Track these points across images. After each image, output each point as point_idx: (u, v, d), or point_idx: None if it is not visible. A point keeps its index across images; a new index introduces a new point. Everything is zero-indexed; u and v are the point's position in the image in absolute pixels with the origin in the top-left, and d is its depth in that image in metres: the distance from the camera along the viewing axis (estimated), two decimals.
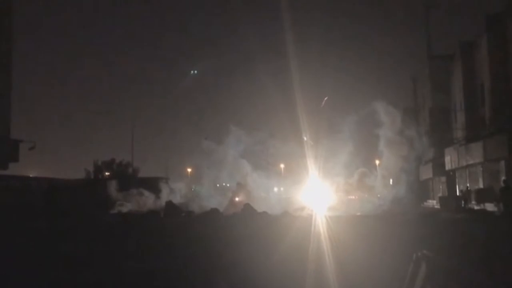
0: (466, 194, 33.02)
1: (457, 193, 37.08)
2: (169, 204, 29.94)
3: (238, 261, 9.51)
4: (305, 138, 33.05)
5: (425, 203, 41.86)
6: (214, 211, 28.46)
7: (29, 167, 40.38)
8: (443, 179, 42.23)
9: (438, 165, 40.87)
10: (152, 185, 33.82)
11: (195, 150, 33.52)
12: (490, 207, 29.26)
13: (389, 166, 32.56)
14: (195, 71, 40.21)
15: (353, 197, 33.30)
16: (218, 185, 35.63)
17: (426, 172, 44.35)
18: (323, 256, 9.94)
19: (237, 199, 32.53)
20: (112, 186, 32.40)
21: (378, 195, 32.68)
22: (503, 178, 27.03)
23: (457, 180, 39.34)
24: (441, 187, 43.91)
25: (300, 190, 33.02)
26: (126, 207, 30.96)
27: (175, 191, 32.87)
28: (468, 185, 35.20)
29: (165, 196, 31.76)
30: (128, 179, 36.54)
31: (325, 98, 37.27)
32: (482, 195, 31.60)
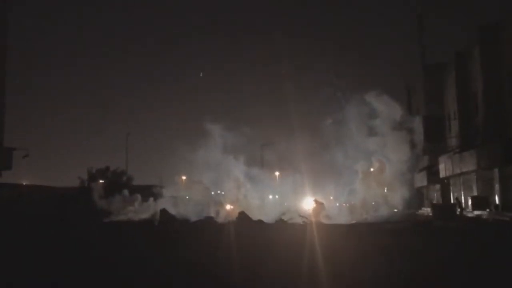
0: (459, 203, 33.13)
1: (451, 201, 37.16)
2: (163, 212, 29.77)
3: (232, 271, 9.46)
4: None
5: (419, 211, 41.88)
6: (209, 219, 28.37)
7: (23, 175, 40.09)
8: (437, 187, 42.30)
9: (433, 173, 40.94)
10: (146, 193, 33.69)
11: (189, 158, 33.32)
12: (484, 214, 29.35)
13: (392, 166, 32.05)
14: (201, 73, 39.60)
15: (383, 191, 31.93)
16: (213, 192, 35.51)
17: (421, 180, 44.40)
18: (317, 266, 9.89)
19: (231, 207, 32.41)
20: (97, 194, 32.19)
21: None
22: None
23: (451, 188, 39.45)
24: (435, 194, 43.98)
25: (296, 197, 32.79)
26: (118, 216, 30.74)
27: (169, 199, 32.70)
28: (457, 196, 35.39)
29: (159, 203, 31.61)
30: (122, 187, 36.36)
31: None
32: (477, 203, 31.69)
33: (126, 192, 32.64)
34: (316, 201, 30.72)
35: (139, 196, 32.85)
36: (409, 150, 32.12)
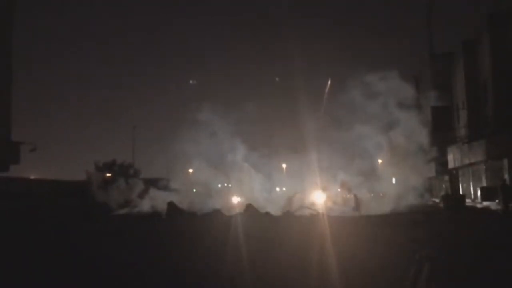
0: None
1: (460, 192, 36.95)
2: (171, 205, 29.70)
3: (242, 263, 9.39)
4: None
5: (428, 201, 41.67)
6: (216, 212, 28.29)
7: (31, 169, 40.27)
8: (446, 177, 42.05)
9: (441, 164, 40.69)
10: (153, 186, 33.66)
11: (195, 149, 33.21)
12: (493, 205, 29.13)
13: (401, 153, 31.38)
14: (193, 82, 38.98)
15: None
16: (220, 185, 35.42)
17: (429, 171, 44.13)
18: (326, 257, 9.80)
19: (237, 200, 32.34)
20: (95, 186, 32.11)
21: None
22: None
23: (460, 179, 39.19)
24: (444, 185, 43.73)
25: (304, 189, 32.42)
26: (124, 208, 30.73)
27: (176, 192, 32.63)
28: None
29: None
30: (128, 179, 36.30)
31: (329, 82, 35.05)
32: (486, 194, 31.44)
33: (122, 181, 32.41)
34: (344, 183, 30.10)
35: (139, 183, 32.66)
36: (422, 133, 31.46)
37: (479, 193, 33.02)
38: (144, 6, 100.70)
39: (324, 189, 30.75)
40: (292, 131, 33.20)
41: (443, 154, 39.55)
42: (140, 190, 33.09)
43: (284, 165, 37.78)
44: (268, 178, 34.09)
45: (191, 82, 40.49)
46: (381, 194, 32.05)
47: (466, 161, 35.14)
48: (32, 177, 35.97)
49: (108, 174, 36.81)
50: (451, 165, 38.67)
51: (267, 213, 26.92)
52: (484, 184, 33.26)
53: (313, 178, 31.15)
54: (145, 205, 31.32)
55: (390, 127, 31.97)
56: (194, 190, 33.88)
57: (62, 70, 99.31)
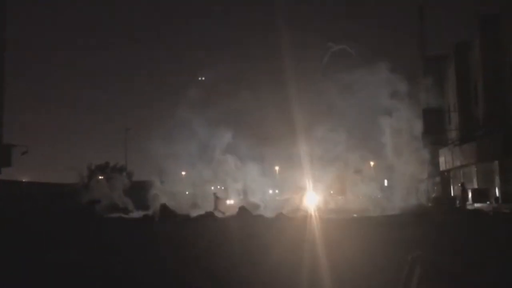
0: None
1: (452, 194, 37.19)
2: (163, 207, 29.64)
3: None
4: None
5: (420, 203, 41.79)
6: (209, 214, 28.32)
7: (22, 172, 40.06)
8: (438, 179, 42.29)
9: (433, 166, 40.92)
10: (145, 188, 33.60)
11: (188, 152, 33.22)
12: (484, 207, 29.35)
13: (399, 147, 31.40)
14: (202, 78, 38.53)
15: None
16: (213, 188, 35.41)
17: (421, 173, 44.34)
18: (317, 260, 9.85)
19: (231, 202, 32.38)
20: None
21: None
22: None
23: (451, 181, 39.46)
24: (435, 187, 43.96)
25: (297, 191, 32.45)
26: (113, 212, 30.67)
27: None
28: (463, 182, 35.35)
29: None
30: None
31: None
32: (477, 195, 31.68)
33: (102, 180, 32.43)
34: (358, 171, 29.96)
35: (122, 179, 32.67)
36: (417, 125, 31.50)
37: (470, 195, 33.26)
38: (136, 9, 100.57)
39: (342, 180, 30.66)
40: (286, 125, 32.71)
41: (434, 156, 39.79)
42: (123, 188, 32.99)
43: (276, 168, 37.86)
44: (261, 178, 34.06)
45: (199, 79, 39.80)
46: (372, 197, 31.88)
47: (458, 163, 35.39)
48: (24, 180, 35.86)
49: (100, 177, 36.73)
50: (442, 167, 38.92)
51: (260, 215, 26.97)
52: (475, 186, 33.52)
53: (307, 178, 31.10)
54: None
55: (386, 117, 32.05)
56: (187, 192, 33.86)
57: (54, 72, 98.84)
